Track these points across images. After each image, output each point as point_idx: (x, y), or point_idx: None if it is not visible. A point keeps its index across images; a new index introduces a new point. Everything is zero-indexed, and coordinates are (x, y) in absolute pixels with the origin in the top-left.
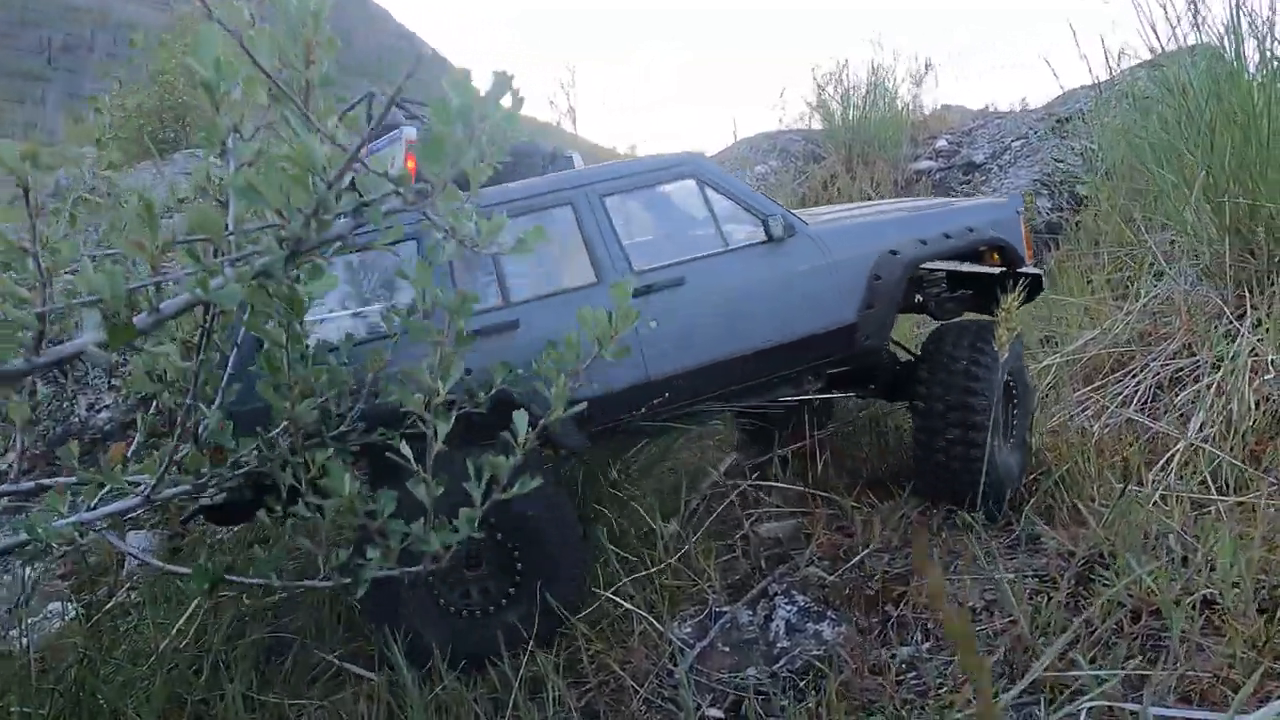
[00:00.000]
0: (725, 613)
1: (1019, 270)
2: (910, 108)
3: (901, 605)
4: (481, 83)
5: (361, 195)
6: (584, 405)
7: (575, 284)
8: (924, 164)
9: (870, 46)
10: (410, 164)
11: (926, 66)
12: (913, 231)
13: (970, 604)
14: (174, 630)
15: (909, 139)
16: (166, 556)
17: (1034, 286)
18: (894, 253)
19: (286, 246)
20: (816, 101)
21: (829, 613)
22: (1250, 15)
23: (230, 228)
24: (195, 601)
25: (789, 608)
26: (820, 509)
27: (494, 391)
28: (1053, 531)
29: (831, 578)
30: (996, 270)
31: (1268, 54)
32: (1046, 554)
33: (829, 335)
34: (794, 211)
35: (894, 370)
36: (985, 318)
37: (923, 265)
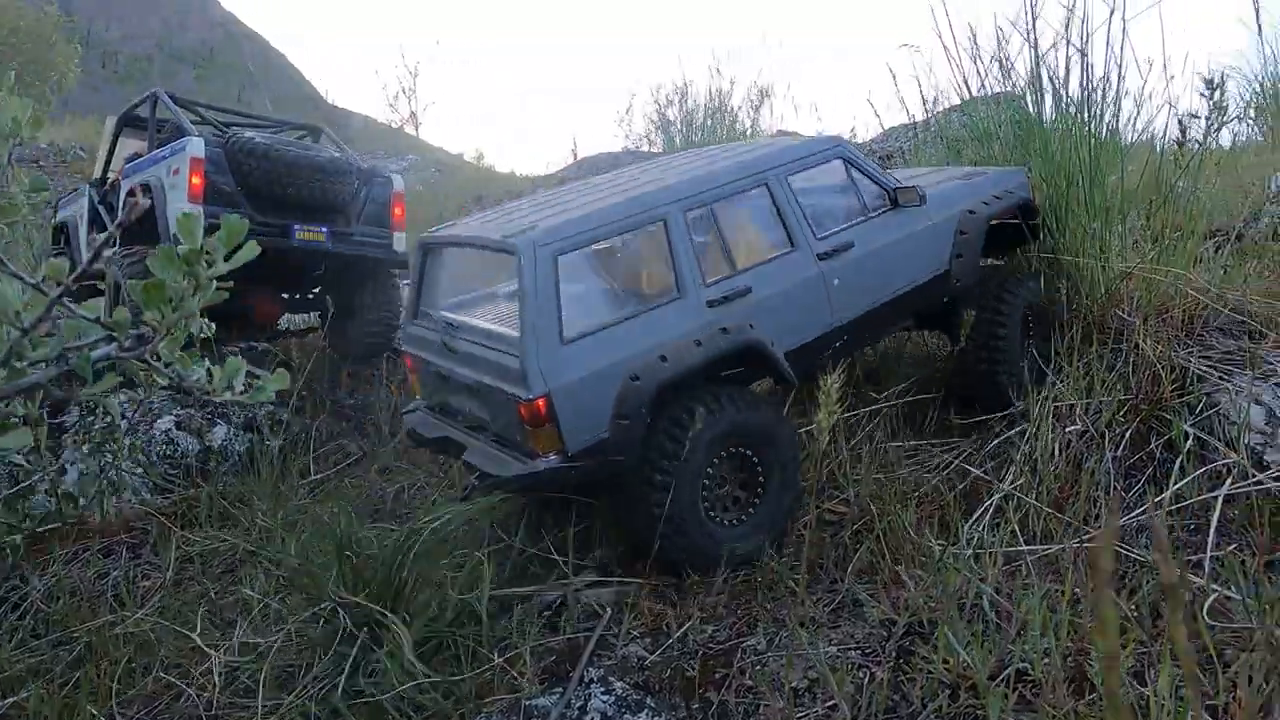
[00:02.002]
0: (535, 707)
1: (1032, 223)
2: (749, 133)
3: (724, 689)
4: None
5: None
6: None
7: (777, 252)
8: None
9: (709, 73)
10: (195, 180)
11: (763, 94)
12: (978, 195)
13: (793, 684)
14: None
15: None
16: None
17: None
18: (972, 212)
19: None
20: (659, 120)
21: (648, 701)
22: (1050, 69)
23: None
24: None
25: (605, 697)
26: (646, 568)
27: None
28: (874, 598)
29: (652, 657)
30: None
31: (1064, 105)
32: (869, 622)
33: (934, 280)
34: None
35: (942, 307)
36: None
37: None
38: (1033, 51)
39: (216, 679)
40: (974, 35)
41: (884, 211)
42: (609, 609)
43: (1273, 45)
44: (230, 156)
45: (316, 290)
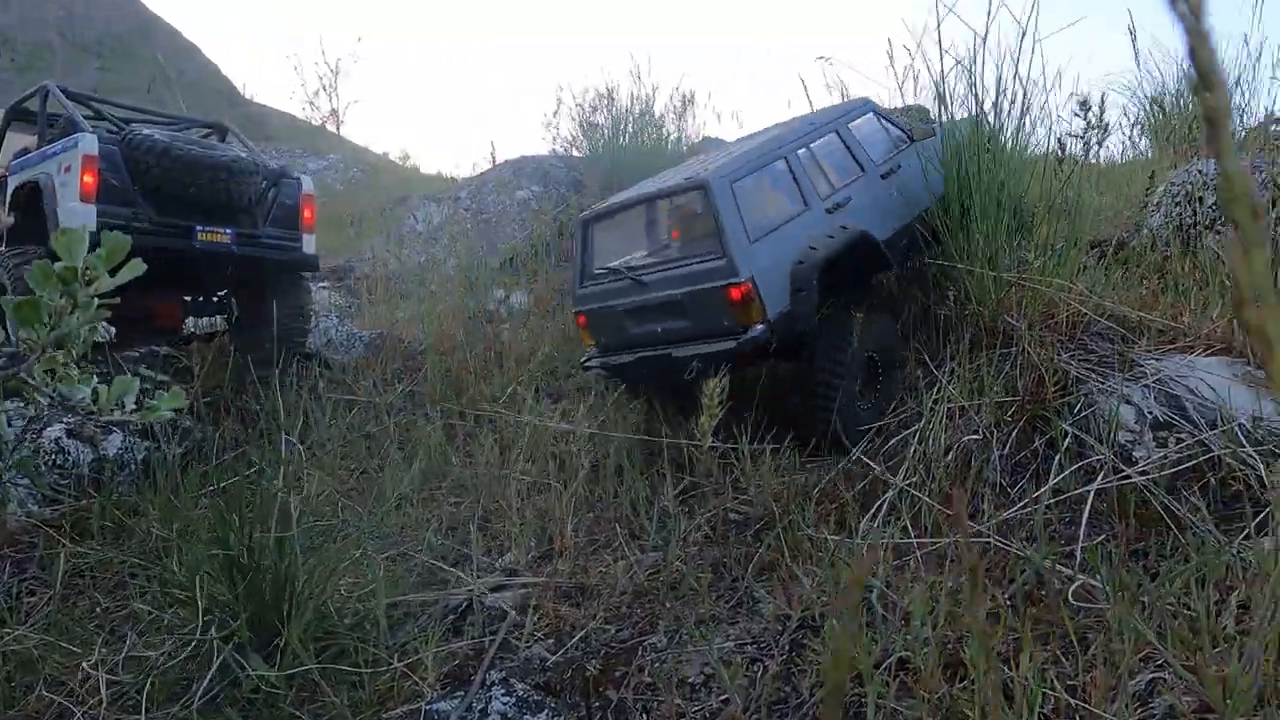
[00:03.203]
0: (435, 711)
1: None
2: (675, 139)
3: (622, 687)
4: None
5: None
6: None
7: (856, 175)
8: None
9: (630, 78)
10: (88, 179)
11: (684, 100)
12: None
13: (690, 679)
14: None
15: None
16: None
17: None
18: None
19: None
20: (585, 126)
21: (549, 701)
22: (949, 86)
23: None
24: None
25: (506, 699)
26: (555, 570)
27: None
28: (770, 595)
29: (554, 657)
30: None
31: (960, 119)
32: (765, 618)
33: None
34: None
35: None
36: None
37: None
38: (928, 69)
39: (103, 694)
40: (890, 48)
41: (908, 144)
42: (514, 611)
43: (1159, 63)
44: (127, 154)
45: (223, 293)
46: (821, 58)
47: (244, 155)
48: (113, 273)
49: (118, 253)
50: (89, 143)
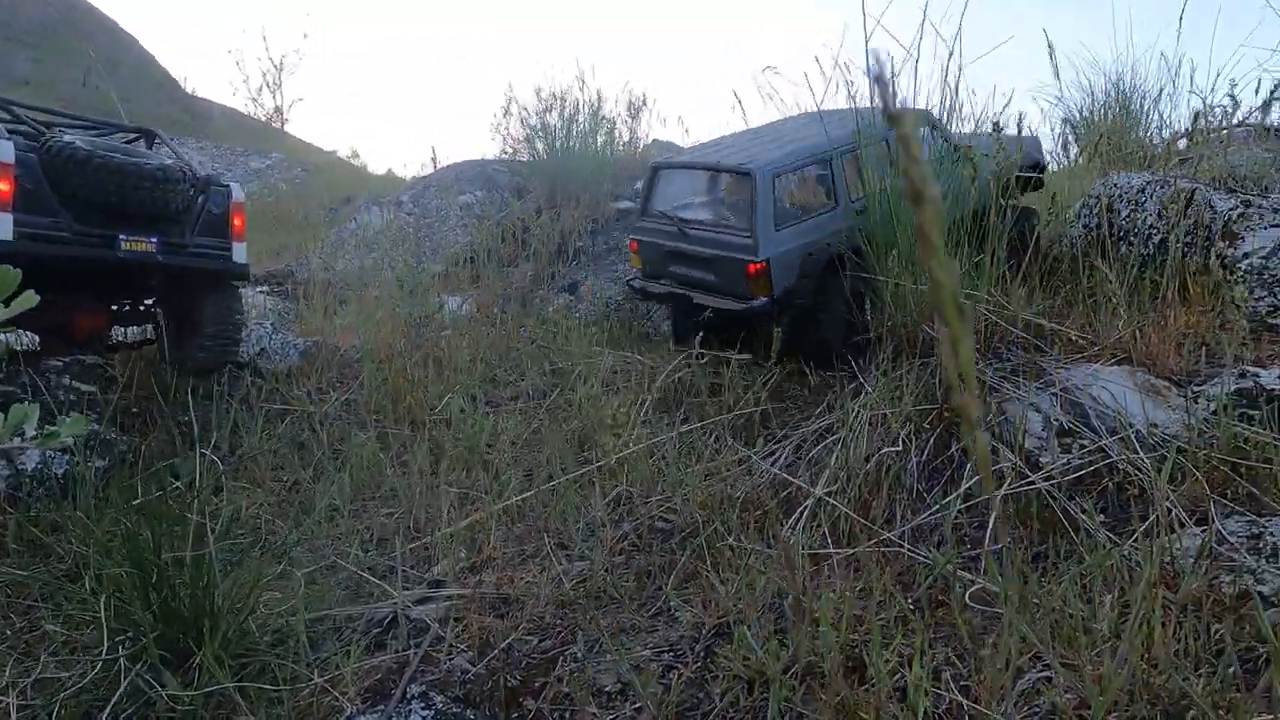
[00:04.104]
0: None
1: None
2: (627, 143)
3: (540, 698)
4: None
5: None
6: None
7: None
8: (625, 203)
9: (577, 83)
10: (3, 187)
11: (632, 108)
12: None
13: (607, 688)
14: None
15: (612, 177)
16: None
17: None
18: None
19: None
20: (535, 129)
21: (468, 714)
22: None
23: None
24: None
25: (425, 713)
26: (481, 582)
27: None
28: (688, 603)
29: (476, 669)
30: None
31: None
32: (683, 626)
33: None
34: None
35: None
36: None
37: None
38: (848, 85)
39: (13, 718)
40: (836, 59)
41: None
42: (437, 625)
43: (1084, 73)
44: (47, 162)
45: (150, 302)
46: (769, 67)
47: (170, 162)
48: (6, 302)
49: (6, 286)
50: (4, 149)
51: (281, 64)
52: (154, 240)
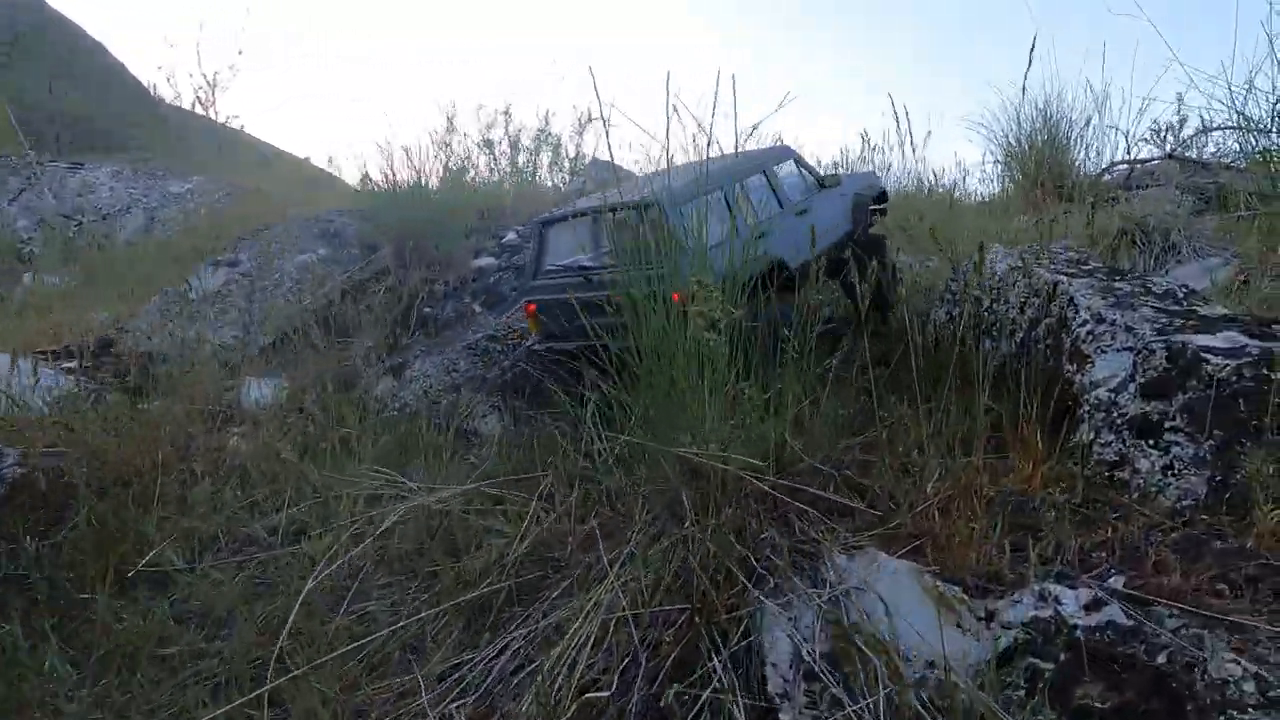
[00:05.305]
0: None
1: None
2: (576, 157)
3: None
4: None
5: None
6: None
7: (774, 211)
8: (485, 260)
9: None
10: None
11: (581, 125)
12: (861, 185)
13: None
14: None
15: (472, 229)
16: None
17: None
18: (859, 194)
19: None
20: (481, 143)
21: None
22: None
23: None
24: None
25: None
26: None
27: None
28: None
29: None
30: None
31: None
32: None
33: (847, 235)
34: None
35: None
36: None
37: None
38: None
39: None
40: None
41: (820, 190)
42: None
43: (1010, 103)
44: None
45: None
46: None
47: None
48: None
49: None
50: None
51: (214, 80)
52: None
